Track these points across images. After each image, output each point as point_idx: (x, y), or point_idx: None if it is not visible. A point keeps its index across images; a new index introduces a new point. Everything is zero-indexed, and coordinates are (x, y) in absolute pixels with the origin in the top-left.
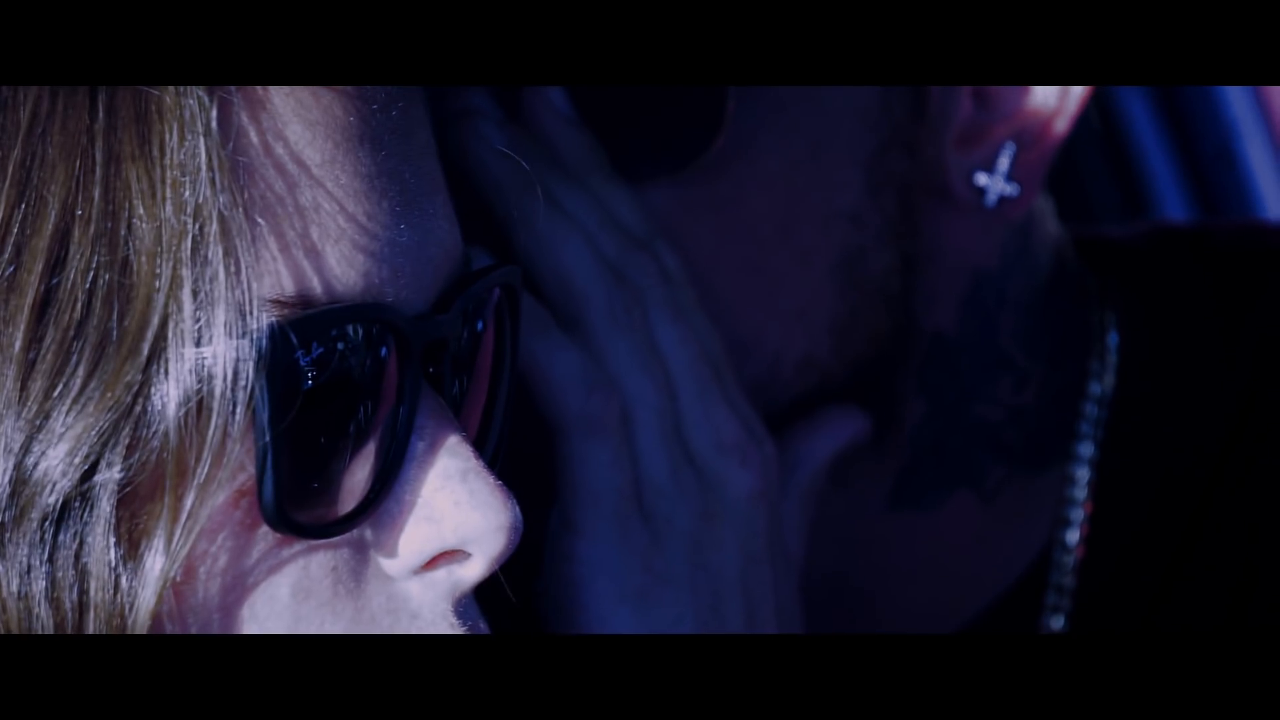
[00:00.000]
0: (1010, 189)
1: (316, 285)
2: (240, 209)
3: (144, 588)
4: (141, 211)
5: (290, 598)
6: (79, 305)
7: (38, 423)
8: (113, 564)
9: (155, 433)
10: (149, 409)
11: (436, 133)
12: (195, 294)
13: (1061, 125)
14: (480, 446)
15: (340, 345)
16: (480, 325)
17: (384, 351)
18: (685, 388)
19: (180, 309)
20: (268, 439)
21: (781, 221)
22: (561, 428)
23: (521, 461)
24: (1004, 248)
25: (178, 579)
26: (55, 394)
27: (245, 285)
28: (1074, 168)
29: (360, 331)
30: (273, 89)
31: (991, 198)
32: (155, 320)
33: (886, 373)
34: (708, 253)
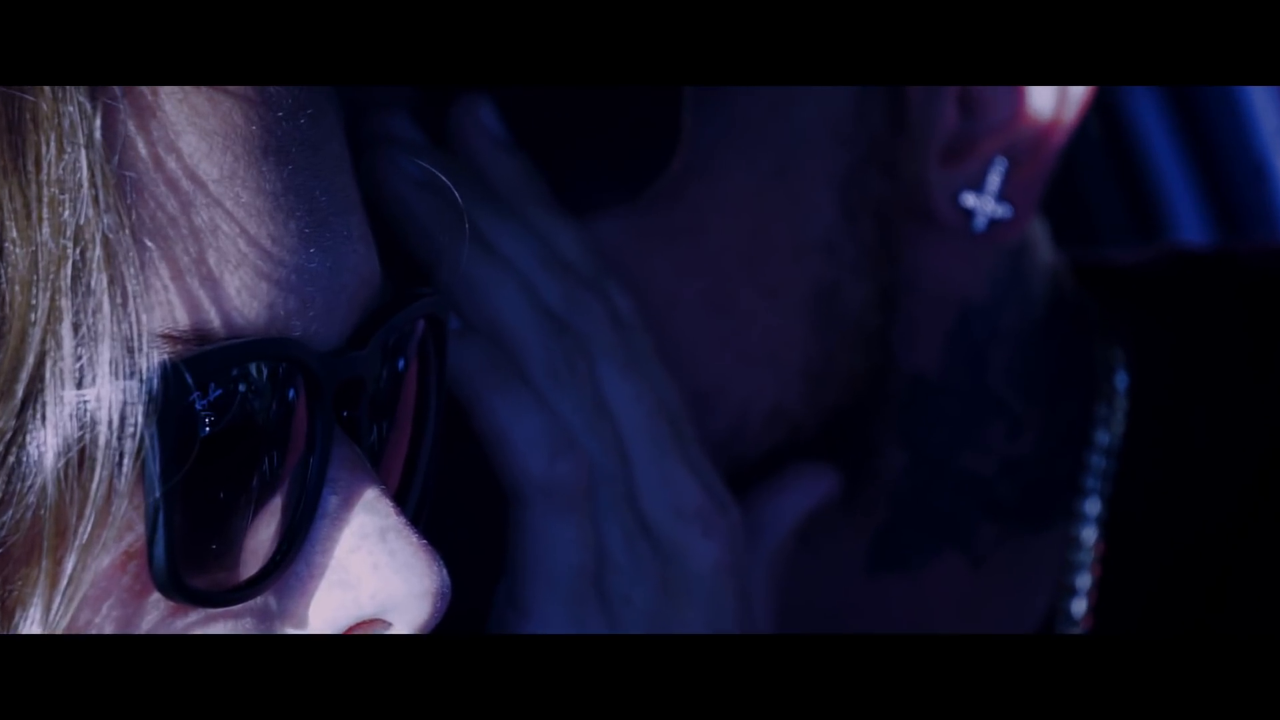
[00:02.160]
0: (1002, 210)
1: (214, 318)
2: (127, 231)
3: None
4: (14, 234)
5: None
6: None
7: None
8: None
9: (31, 486)
10: (24, 459)
11: (352, 150)
12: (76, 328)
13: (1060, 136)
14: (402, 501)
15: (241, 386)
16: (402, 363)
17: (291, 393)
18: (639, 449)
19: (59, 345)
20: (159, 494)
21: (747, 253)
22: (519, 495)
23: (463, 523)
24: (995, 277)
25: None
26: None
27: (133, 318)
28: (1075, 185)
29: (264, 370)
30: (163, 94)
31: (980, 220)
32: (30, 358)
33: (862, 421)
34: (664, 291)
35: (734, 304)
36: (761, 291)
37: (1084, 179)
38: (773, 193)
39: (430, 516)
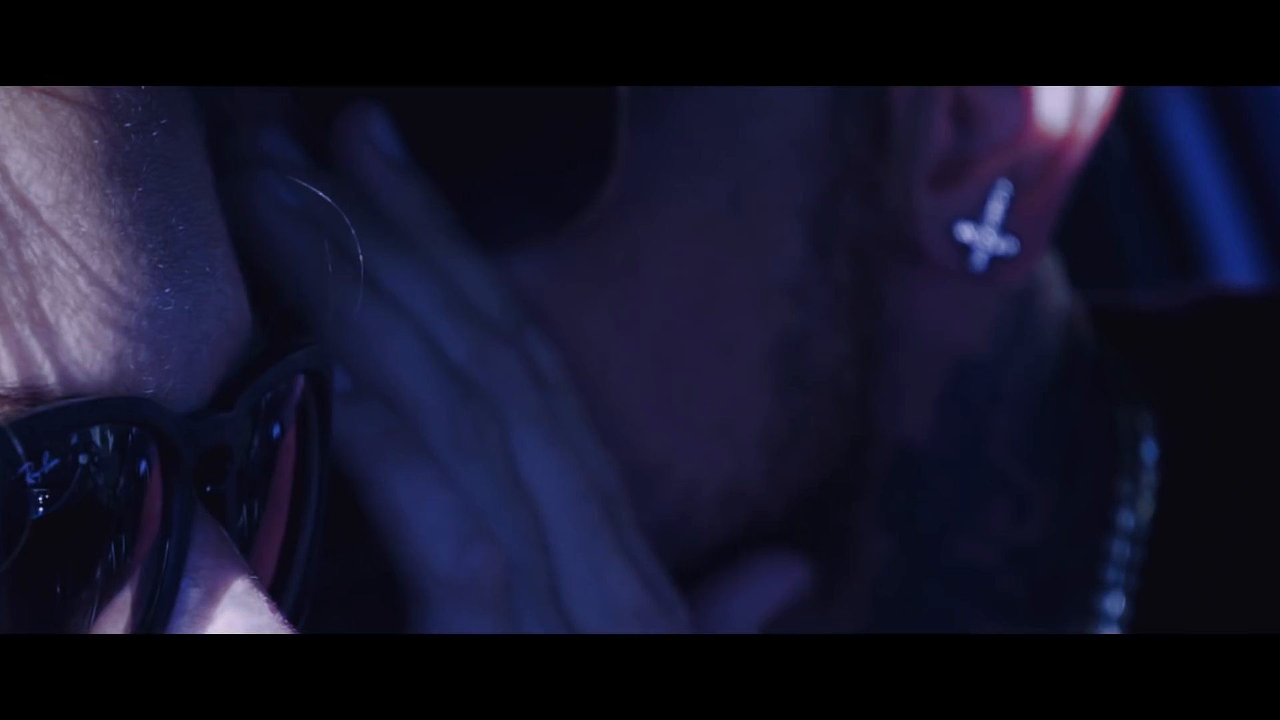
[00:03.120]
0: (1005, 245)
1: (49, 372)
2: None
3: None
4: None
5: None
6: None
7: None
8: None
9: None
10: None
11: (216, 170)
12: None
13: (1077, 154)
14: (278, 596)
15: (82, 456)
16: (277, 429)
17: (144, 464)
18: (564, 537)
19: None
20: None
21: (696, 298)
22: (419, 592)
23: (351, 624)
24: (997, 326)
25: None
26: None
27: None
28: (1096, 214)
29: (110, 436)
30: None
31: (980, 258)
32: None
33: (838, 501)
34: (597, 345)
35: (681, 360)
36: (714, 345)
37: (1107, 207)
38: (727, 225)
39: (312, 615)
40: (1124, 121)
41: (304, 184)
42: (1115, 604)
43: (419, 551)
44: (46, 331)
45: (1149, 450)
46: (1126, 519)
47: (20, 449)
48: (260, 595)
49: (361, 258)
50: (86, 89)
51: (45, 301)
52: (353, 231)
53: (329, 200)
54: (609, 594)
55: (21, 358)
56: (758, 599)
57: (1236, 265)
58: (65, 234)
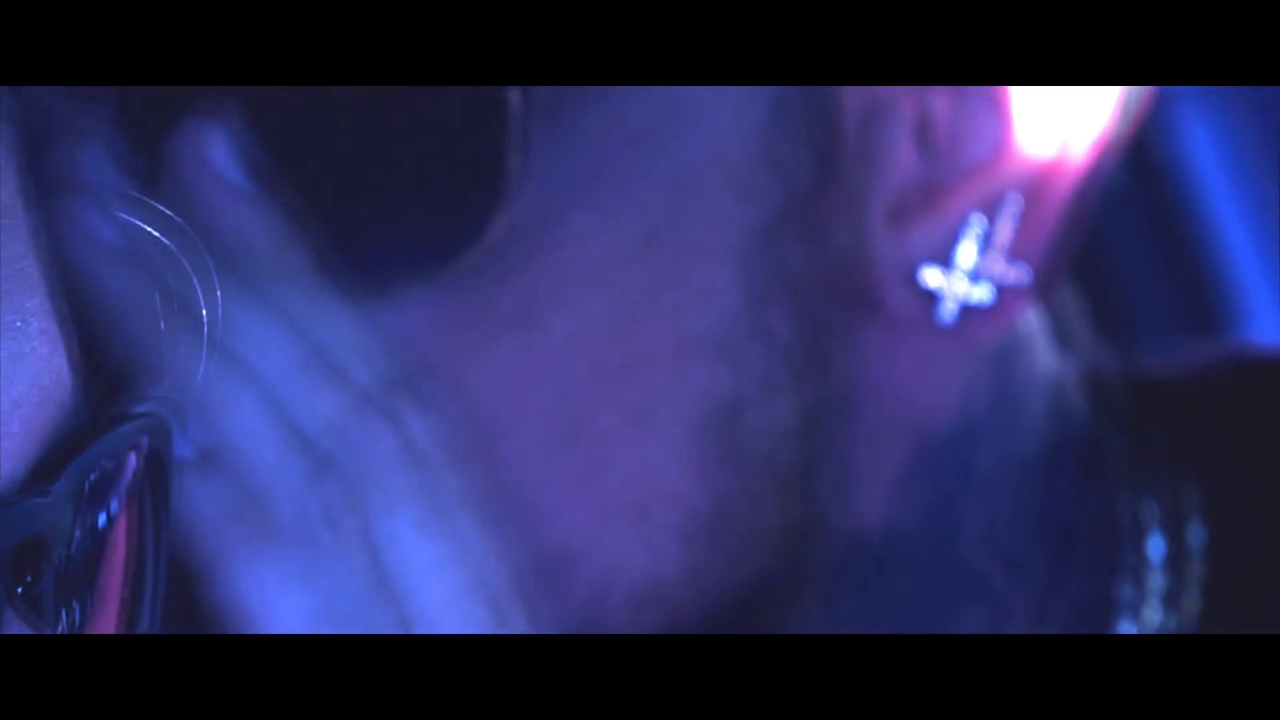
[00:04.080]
0: (980, 294)
1: None
2: None
3: None
4: None
5: None
6: None
7: None
8: None
9: None
10: None
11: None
12: None
13: (1066, 183)
14: None
15: None
16: (104, 516)
17: None
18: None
19: None
20: None
21: (606, 356)
22: None
23: None
24: (969, 393)
25: None
26: None
27: None
28: (1092, 256)
29: None
30: None
31: (949, 309)
32: None
33: (773, 606)
34: (489, 410)
35: (588, 430)
36: (627, 413)
37: (1106, 248)
38: (643, 269)
39: None
40: (1130, 148)
41: (129, 218)
42: None
43: None
44: None
45: (1155, 547)
46: (1128, 631)
47: None
48: None
49: (196, 307)
50: None
51: None
52: (191, 276)
53: (160, 237)
54: None
55: None
56: None
57: (1266, 321)
58: None
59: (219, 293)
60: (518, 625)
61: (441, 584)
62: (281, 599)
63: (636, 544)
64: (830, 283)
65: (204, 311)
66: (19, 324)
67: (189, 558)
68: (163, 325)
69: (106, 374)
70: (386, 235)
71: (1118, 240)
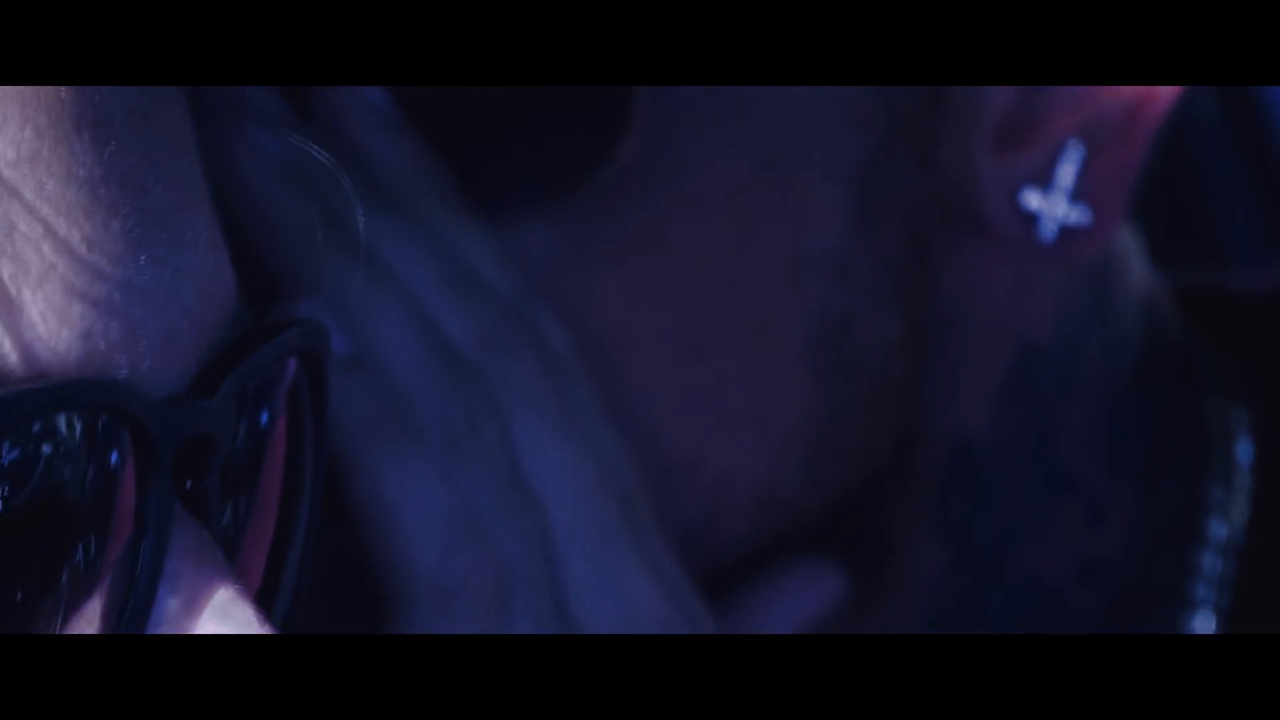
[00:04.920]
0: (1077, 215)
1: (9, 352)
2: None
3: None
4: None
5: None
6: None
7: None
8: None
9: None
10: None
11: (197, 124)
12: None
13: (1157, 111)
14: (266, 606)
15: (46, 446)
16: (266, 417)
17: (115, 456)
18: (573, 542)
19: None
20: None
21: (727, 274)
22: (402, 596)
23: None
24: (1067, 307)
25: None
26: None
27: None
28: (1184, 180)
29: (77, 424)
30: None
31: (1048, 229)
32: None
33: (885, 505)
34: (615, 325)
35: (710, 344)
36: (747, 327)
37: (1196, 172)
38: (761, 192)
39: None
40: None
41: (292, 138)
42: (1205, 624)
43: (403, 547)
44: (7, 305)
45: (1243, 451)
46: (1218, 529)
47: None
48: (246, 606)
49: (350, 223)
50: None
51: (5, 272)
52: (349, 191)
53: (322, 155)
54: (626, 605)
55: None
56: (791, 612)
57: None
58: (28, 195)
59: (369, 210)
60: (646, 523)
61: (574, 484)
62: (421, 496)
63: (756, 449)
64: (937, 205)
65: (357, 226)
66: (188, 236)
67: (337, 455)
68: (320, 238)
69: (269, 283)
70: (522, 160)
71: (1209, 161)
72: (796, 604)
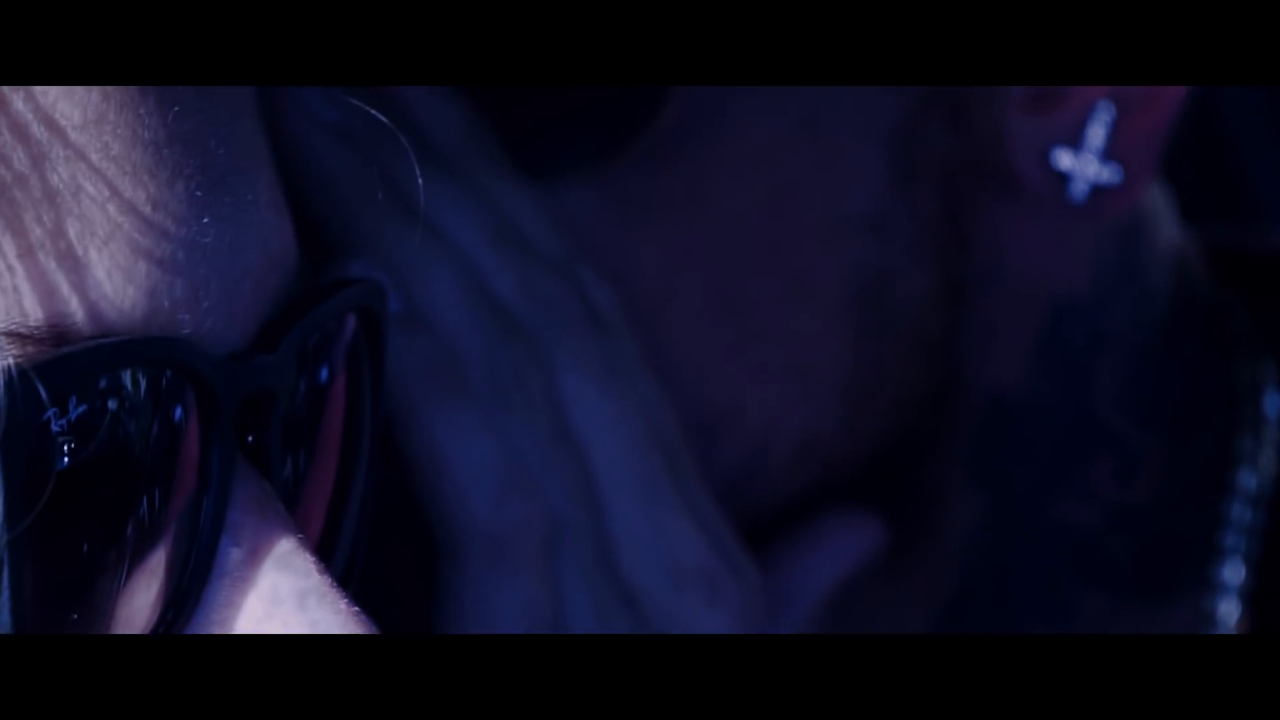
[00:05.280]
0: (1108, 173)
1: (77, 309)
2: None
3: None
4: None
5: None
6: None
7: None
8: None
9: None
10: None
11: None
12: None
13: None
14: (326, 556)
15: (112, 401)
16: (326, 373)
17: (179, 410)
18: (619, 491)
19: None
20: (2, 544)
21: (765, 232)
22: (454, 546)
23: (389, 585)
24: (1099, 264)
25: None
26: None
27: None
28: (1214, 139)
29: (142, 380)
30: None
31: (1079, 188)
32: None
33: (921, 456)
34: (655, 283)
35: (749, 300)
36: (786, 283)
37: (1227, 130)
38: (800, 152)
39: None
40: None
41: (348, 101)
42: (1234, 573)
43: (454, 498)
44: (74, 264)
45: (1272, 404)
46: (1247, 480)
47: (45, 394)
48: (307, 556)
49: (401, 184)
50: None
51: (72, 231)
52: (401, 154)
53: (380, 117)
54: (670, 553)
55: (46, 293)
56: (829, 561)
57: None
58: (94, 157)
59: (421, 172)
60: (689, 474)
61: (619, 435)
62: (471, 448)
63: (795, 401)
64: (971, 164)
65: (411, 187)
66: (250, 197)
67: (390, 407)
68: (376, 199)
69: (328, 242)
70: (566, 125)
71: (1238, 119)
72: (836, 554)
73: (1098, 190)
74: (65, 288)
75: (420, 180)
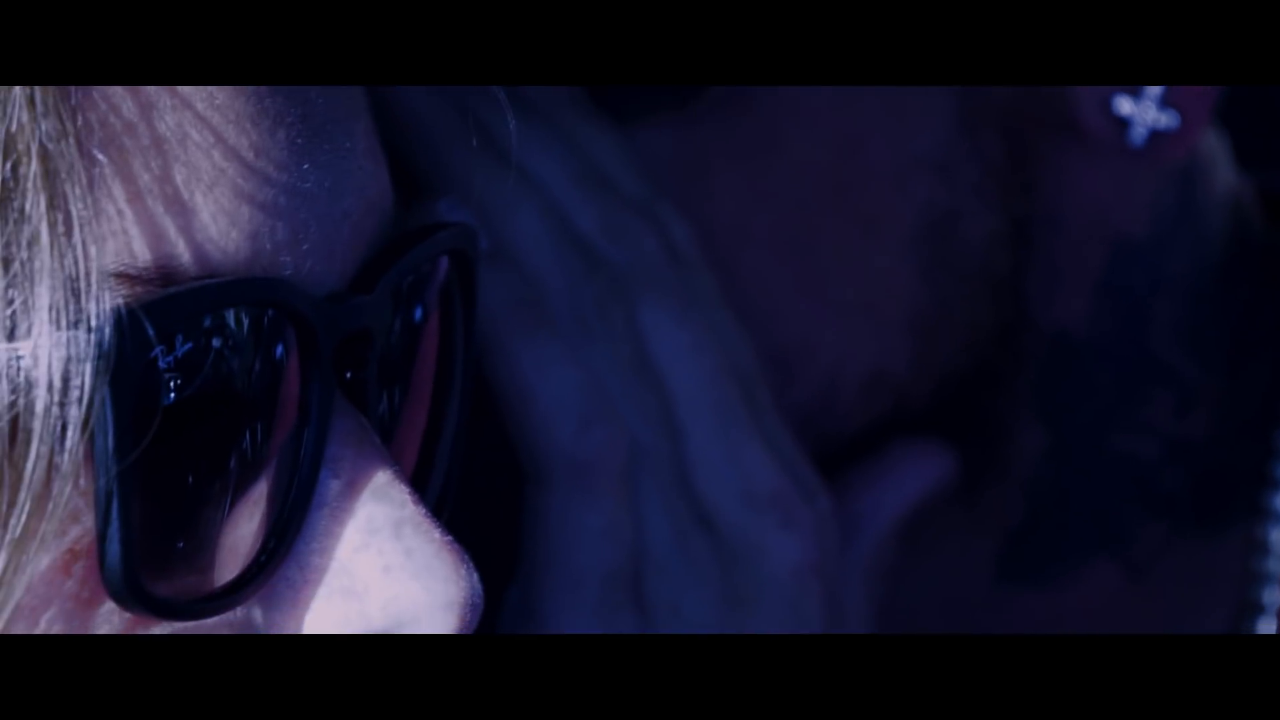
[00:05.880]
0: (1166, 119)
1: (182, 251)
2: (72, 140)
3: None
4: None
5: None
6: None
7: None
8: None
9: None
10: None
11: None
12: (6, 264)
13: None
14: (421, 487)
15: (216, 339)
16: (419, 312)
17: (280, 349)
18: (696, 418)
19: None
20: (113, 476)
21: (836, 174)
22: (538, 472)
23: (476, 511)
24: (1157, 208)
25: None
26: None
27: (79, 252)
28: (1266, 87)
29: (245, 319)
30: None
31: (1139, 133)
32: None
33: (988, 391)
34: (731, 222)
35: (821, 238)
36: (856, 223)
37: None
38: (868, 98)
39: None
40: None
41: None
42: None
43: (539, 427)
44: (180, 208)
45: None
46: None
47: (153, 332)
48: (403, 487)
49: (488, 127)
50: None
51: (179, 177)
52: (492, 100)
53: None
54: (744, 477)
55: (154, 236)
56: (901, 489)
57: None
58: (200, 106)
59: (505, 114)
60: (764, 403)
61: (697, 365)
62: (555, 377)
63: (865, 337)
64: (1034, 111)
65: (503, 132)
66: (348, 144)
67: (479, 339)
68: (470, 144)
69: (423, 186)
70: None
71: None
72: (907, 481)
73: (1156, 135)
74: (172, 231)
75: (512, 125)
